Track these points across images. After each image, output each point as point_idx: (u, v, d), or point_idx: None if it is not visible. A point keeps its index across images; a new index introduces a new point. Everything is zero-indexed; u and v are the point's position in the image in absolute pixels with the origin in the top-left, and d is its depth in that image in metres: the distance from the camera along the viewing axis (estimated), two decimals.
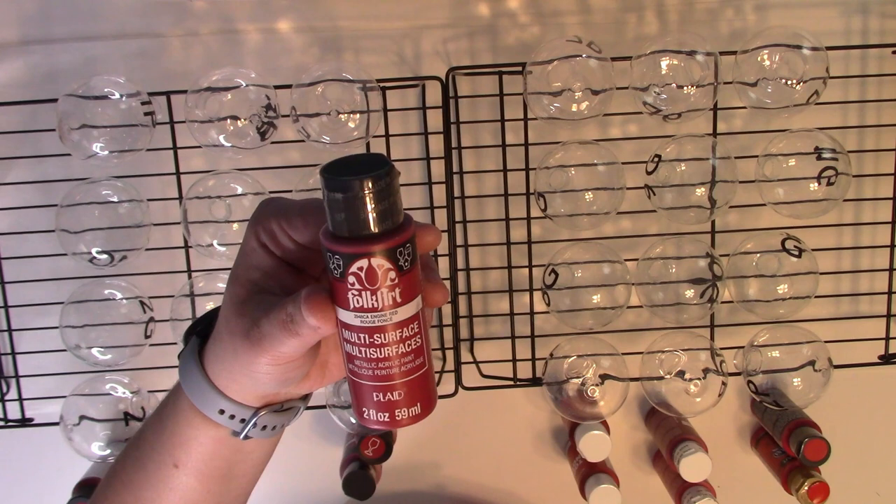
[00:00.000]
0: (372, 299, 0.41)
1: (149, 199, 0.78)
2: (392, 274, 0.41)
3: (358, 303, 0.41)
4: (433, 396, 0.45)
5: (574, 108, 0.75)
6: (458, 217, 0.83)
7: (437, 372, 0.84)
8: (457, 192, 0.82)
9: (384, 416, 0.44)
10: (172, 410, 0.48)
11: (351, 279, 0.41)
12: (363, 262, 0.41)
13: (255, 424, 0.47)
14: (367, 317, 0.42)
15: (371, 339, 0.42)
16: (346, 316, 0.42)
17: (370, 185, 0.40)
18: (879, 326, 0.84)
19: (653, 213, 0.81)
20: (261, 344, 0.43)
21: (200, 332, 0.48)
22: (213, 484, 0.49)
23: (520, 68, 0.76)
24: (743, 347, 0.82)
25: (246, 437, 0.47)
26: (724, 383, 0.79)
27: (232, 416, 0.46)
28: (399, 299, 0.41)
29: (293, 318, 0.42)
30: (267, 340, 0.43)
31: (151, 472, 0.49)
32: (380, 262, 0.41)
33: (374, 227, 0.41)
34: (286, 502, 0.91)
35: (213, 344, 0.46)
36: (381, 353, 0.42)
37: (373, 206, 0.40)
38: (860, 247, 0.86)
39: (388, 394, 0.43)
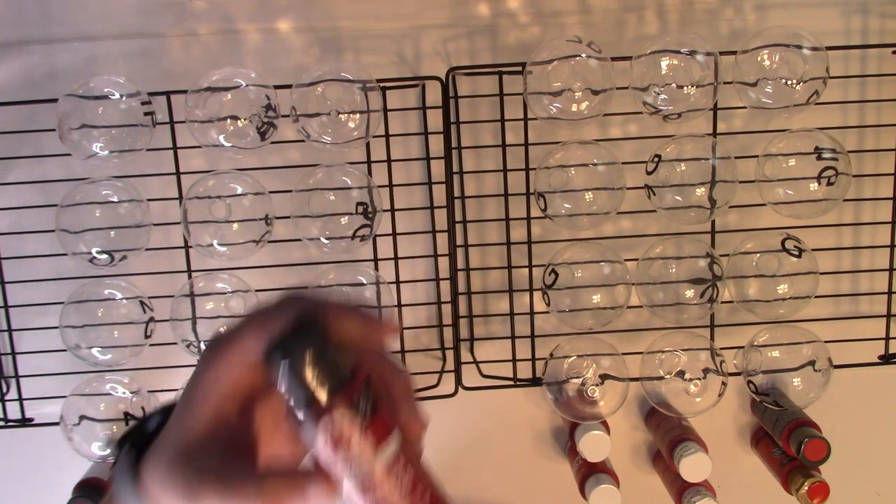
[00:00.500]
0: (342, 457, 0.40)
1: (149, 199, 0.78)
2: (356, 427, 0.40)
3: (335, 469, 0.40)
4: None
5: (574, 108, 0.75)
6: (458, 217, 0.83)
7: (436, 372, 0.84)
8: (457, 192, 0.82)
9: None
10: None
11: (321, 450, 0.40)
12: (322, 427, 0.40)
13: None
14: (347, 476, 0.40)
15: (358, 495, 0.41)
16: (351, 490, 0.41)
17: (302, 364, 0.39)
18: (879, 326, 0.84)
19: (653, 213, 0.81)
20: (237, 492, 0.39)
21: (134, 445, 0.43)
22: None
23: (520, 68, 0.76)
24: (743, 347, 0.82)
25: None
26: (724, 383, 0.79)
27: None
28: (370, 447, 0.40)
29: (238, 484, 0.38)
30: (207, 499, 0.38)
31: None
32: (337, 421, 0.40)
33: (320, 393, 0.40)
34: None
35: (154, 467, 0.41)
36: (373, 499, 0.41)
37: (314, 377, 0.40)
38: (860, 247, 0.86)
39: None
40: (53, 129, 0.74)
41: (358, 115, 0.75)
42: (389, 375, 0.43)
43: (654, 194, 0.78)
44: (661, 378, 0.80)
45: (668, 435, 0.84)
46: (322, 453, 0.40)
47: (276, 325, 0.40)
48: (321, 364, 0.40)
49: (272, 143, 0.76)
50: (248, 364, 0.41)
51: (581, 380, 0.80)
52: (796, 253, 0.79)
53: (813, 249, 0.79)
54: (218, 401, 0.41)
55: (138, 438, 0.43)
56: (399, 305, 0.84)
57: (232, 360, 0.41)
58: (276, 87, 0.76)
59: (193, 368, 0.42)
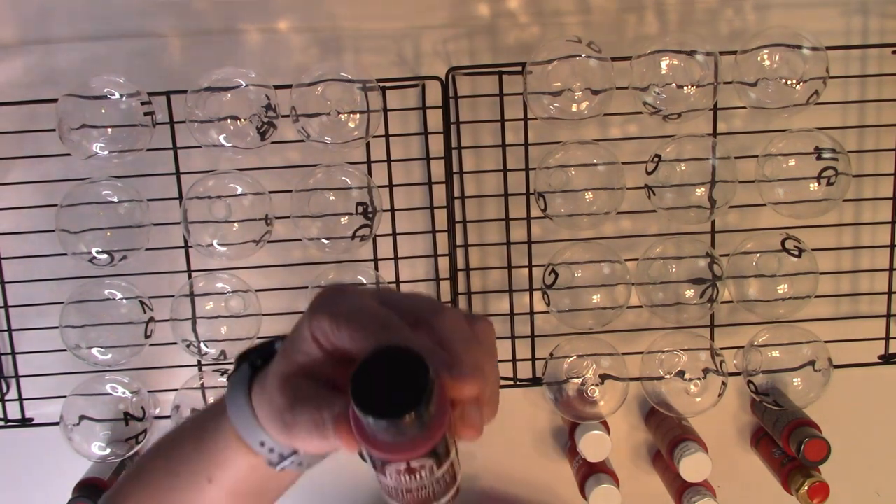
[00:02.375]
0: (406, 480, 0.41)
1: (149, 199, 0.78)
2: (429, 463, 0.40)
3: (392, 481, 0.41)
4: (457, 492, 0.45)
5: (574, 108, 0.75)
6: (458, 217, 0.83)
7: None
8: (457, 192, 0.82)
9: None
10: (214, 429, 0.48)
11: (389, 471, 0.40)
12: (400, 466, 0.40)
13: (292, 462, 0.47)
14: (401, 489, 0.41)
15: (405, 499, 0.42)
16: (382, 479, 0.42)
17: (406, 418, 0.37)
18: (879, 326, 0.84)
19: (653, 213, 0.81)
20: (291, 431, 0.43)
21: (254, 362, 0.48)
22: (242, 500, 0.50)
23: (520, 68, 0.76)
24: (743, 347, 0.82)
25: (282, 469, 0.47)
26: (724, 383, 0.79)
27: (272, 450, 0.46)
28: (435, 470, 0.41)
29: (325, 425, 0.42)
30: (296, 430, 0.43)
31: (183, 481, 0.49)
32: (418, 464, 0.40)
33: (407, 439, 0.39)
34: None
35: (259, 389, 0.46)
36: (414, 497, 0.42)
37: (407, 429, 0.38)
38: (860, 247, 0.86)
39: None
40: (53, 129, 0.74)
41: (358, 115, 0.75)
42: (467, 389, 0.41)
43: (654, 194, 0.78)
44: (661, 378, 0.80)
45: (668, 435, 0.84)
46: (380, 471, 0.41)
47: (391, 336, 0.40)
48: (419, 417, 0.38)
49: (272, 143, 0.76)
50: (344, 343, 0.42)
51: (581, 380, 0.80)
52: (796, 253, 0.79)
53: (813, 249, 0.79)
54: (310, 346, 0.44)
55: (259, 356, 0.48)
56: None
57: (335, 328, 0.42)
58: (276, 87, 0.76)
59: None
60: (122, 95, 0.75)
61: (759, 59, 0.75)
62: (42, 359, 0.83)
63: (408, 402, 0.37)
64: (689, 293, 0.80)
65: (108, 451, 0.80)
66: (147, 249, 0.79)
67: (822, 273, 0.79)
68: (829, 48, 0.75)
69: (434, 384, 0.38)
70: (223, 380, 0.81)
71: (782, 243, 0.79)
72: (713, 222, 0.83)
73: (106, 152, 0.75)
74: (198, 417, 0.51)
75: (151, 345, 0.80)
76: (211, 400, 0.81)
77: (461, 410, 0.41)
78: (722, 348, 0.81)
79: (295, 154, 0.84)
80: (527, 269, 0.83)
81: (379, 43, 0.83)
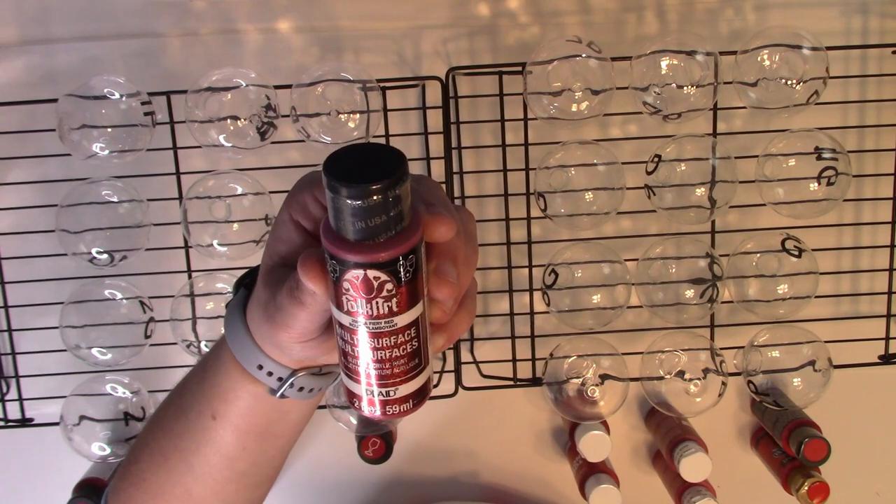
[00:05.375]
0: (366, 307, 0.39)
1: (149, 199, 0.78)
2: (390, 286, 0.38)
3: (352, 307, 0.39)
4: (427, 391, 0.44)
5: (574, 108, 0.75)
6: None
7: (437, 372, 0.84)
8: (457, 193, 0.82)
9: (375, 411, 0.43)
10: (215, 361, 0.48)
11: (345, 285, 0.39)
12: (358, 273, 0.38)
13: (291, 385, 0.46)
14: (359, 321, 0.40)
15: (363, 342, 0.40)
16: (339, 315, 0.40)
17: (375, 195, 0.36)
18: (879, 326, 0.84)
19: (653, 213, 0.81)
20: (275, 319, 0.43)
21: (249, 285, 0.48)
22: (250, 441, 0.49)
23: (520, 68, 0.76)
24: (743, 347, 0.82)
25: (282, 395, 0.47)
26: (724, 383, 0.79)
27: (270, 374, 0.46)
28: (395, 309, 0.39)
29: (297, 284, 0.41)
30: (280, 314, 0.42)
31: (192, 421, 0.49)
32: (376, 275, 0.38)
33: (374, 237, 0.37)
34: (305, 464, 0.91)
35: (252, 299, 0.46)
36: (374, 356, 0.41)
37: (376, 215, 0.37)
38: (860, 247, 0.86)
39: (381, 391, 0.42)
40: (53, 129, 0.74)
41: (358, 115, 0.75)
42: (437, 239, 0.41)
43: (654, 194, 0.78)
44: (661, 378, 0.80)
45: (668, 435, 0.84)
46: (339, 286, 0.39)
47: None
48: (391, 204, 0.37)
49: (272, 143, 0.76)
50: (311, 202, 0.43)
51: (581, 380, 0.80)
52: (796, 253, 0.79)
53: (813, 249, 0.79)
54: (288, 232, 0.44)
55: (253, 277, 0.47)
56: None
57: (312, 197, 0.42)
58: (276, 87, 0.76)
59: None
60: (122, 95, 0.75)
61: (759, 59, 0.75)
62: (42, 359, 0.83)
63: (379, 178, 0.36)
64: (689, 293, 0.80)
65: (108, 451, 0.80)
66: (147, 249, 0.79)
67: (822, 273, 0.79)
68: (829, 48, 0.75)
69: (407, 173, 0.37)
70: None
71: (782, 243, 0.79)
72: (713, 222, 0.83)
73: (106, 152, 0.75)
74: (203, 356, 0.51)
75: (151, 345, 0.80)
76: None
77: (436, 263, 0.40)
78: (722, 348, 0.81)
79: (295, 154, 0.84)
80: (527, 269, 0.83)
81: (379, 43, 0.83)
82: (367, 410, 0.43)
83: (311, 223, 0.43)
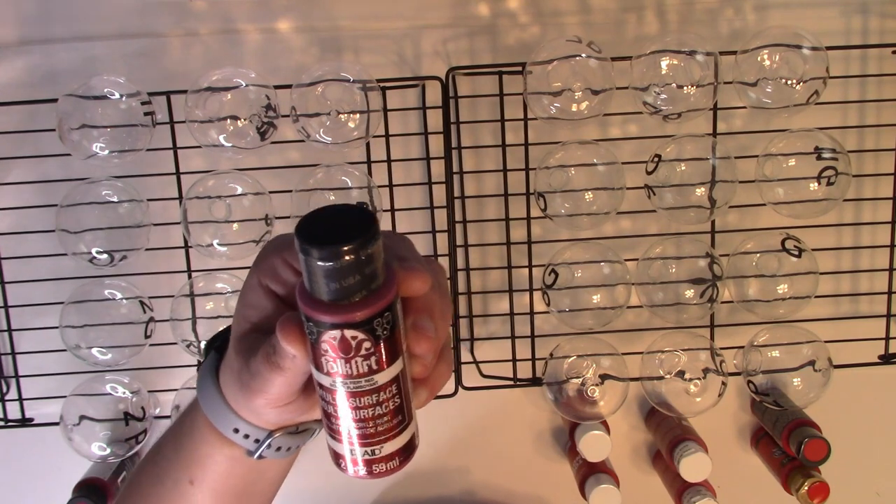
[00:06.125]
0: (345, 367, 0.39)
1: (149, 199, 0.78)
2: (368, 344, 0.39)
3: (331, 368, 0.39)
4: (413, 446, 0.44)
5: (574, 108, 0.75)
6: (458, 217, 0.83)
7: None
8: (457, 192, 0.82)
9: (360, 471, 0.42)
10: (189, 427, 0.48)
11: (324, 346, 0.39)
12: (336, 333, 0.38)
13: (269, 446, 0.46)
14: (339, 381, 0.40)
15: (344, 402, 0.40)
16: (319, 377, 0.40)
17: (347, 255, 0.37)
18: (879, 326, 0.84)
19: (653, 213, 0.81)
20: (250, 386, 0.43)
21: (219, 347, 0.48)
22: (228, 502, 0.49)
23: (520, 68, 0.76)
24: (743, 347, 0.82)
25: (260, 456, 0.47)
26: (724, 383, 0.79)
27: (247, 436, 0.46)
28: (375, 367, 0.39)
29: (275, 349, 0.41)
30: (256, 381, 0.42)
31: (169, 488, 0.49)
32: (354, 334, 0.38)
33: (349, 297, 0.38)
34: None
35: (224, 364, 0.46)
36: (355, 416, 0.41)
37: (350, 275, 0.37)
38: (860, 247, 0.86)
39: (366, 450, 0.42)
40: (53, 129, 0.74)
41: (358, 115, 0.75)
42: (412, 293, 0.41)
43: (654, 194, 0.78)
44: (661, 378, 0.80)
45: (668, 435, 0.84)
46: (318, 347, 0.39)
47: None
48: (363, 264, 0.37)
49: (272, 143, 0.76)
50: (281, 268, 0.43)
51: (581, 380, 0.80)
52: (796, 253, 0.79)
53: (813, 249, 0.79)
54: (259, 298, 0.44)
55: (223, 340, 0.47)
56: None
57: (283, 262, 0.43)
58: (276, 87, 0.76)
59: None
60: (122, 95, 0.75)
61: (759, 59, 0.75)
62: (42, 359, 0.83)
63: (350, 238, 0.37)
64: (689, 293, 0.80)
65: (108, 451, 0.80)
66: (147, 249, 0.79)
67: (822, 273, 0.79)
68: (829, 48, 0.75)
69: (378, 232, 0.37)
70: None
71: (782, 243, 0.79)
72: (713, 222, 0.83)
73: (106, 152, 0.75)
74: (176, 420, 0.50)
75: (151, 345, 0.80)
76: None
77: (413, 318, 0.41)
78: (722, 348, 0.81)
79: (295, 154, 0.84)
80: (527, 269, 0.83)
81: (379, 43, 0.83)
82: (351, 471, 0.43)
83: (282, 287, 0.43)
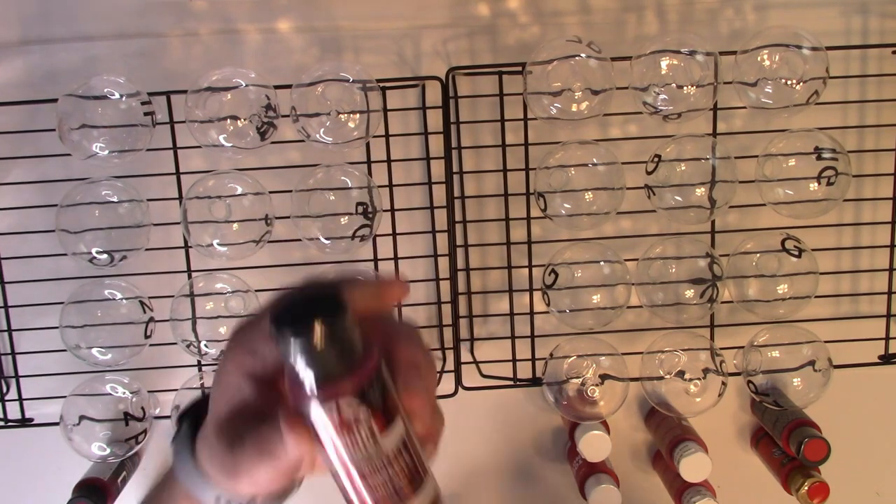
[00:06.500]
0: (349, 440, 0.40)
1: (149, 199, 0.78)
2: (364, 414, 0.39)
3: (338, 446, 0.40)
4: (440, 501, 0.44)
5: (574, 108, 0.75)
6: (458, 217, 0.83)
7: (436, 372, 0.83)
8: (457, 192, 0.82)
9: None
10: (169, 495, 0.48)
11: (323, 427, 0.40)
12: (331, 410, 0.39)
13: None
14: (348, 457, 0.40)
15: (358, 476, 0.41)
16: (329, 460, 0.41)
17: (317, 338, 0.38)
18: (879, 326, 0.84)
19: (653, 213, 0.81)
20: (235, 471, 0.43)
21: (193, 419, 0.47)
22: None
23: (520, 68, 0.76)
24: (743, 347, 0.82)
25: None
26: (724, 383, 0.79)
27: (229, 502, 0.45)
28: (378, 433, 0.40)
29: (270, 446, 0.41)
30: (240, 467, 0.42)
31: None
32: (348, 407, 0.39)
33: (334, 374, 0.39)
34: None
35: (200, 442, 0.46)
36: (369, 485, 0.41)
37: (328, 353, 0.38)
38: (860, 247, 0.86)
39: None
40: (53, 129, 0.74)
41: (358, 115, 0.75)
42: (403, 350, 0.43)
43: (654, 194, 0.78)
44: (661, 378, 0.80)
45: (668, 435, 0.84)
46: (324, 431, 0.40)
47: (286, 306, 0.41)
48: (334, 342, 0.38)
49: (272, 143, 0.76)
50: (256, 351, 0.43)
51: (581, 380, 0.80)
52: (796, 253, 0.79)
53: (813, 249, 0.79)
54: (237, 382, 0.44)
55: (197, 411, 0.47)
56: (399, 305, 0.83)
57: (262, 340, 0.43)
58: (276, 87, 0.76)
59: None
60: (122, 95, 0.75)
61: (759, 59, 0.75)
62: (42, 359, 0.83)
63: (319, 319, 0.38)
64: (689, 293, 0.80)
65: (108, 451, 0.80)
66: (147, 249, 0.79)
67: (822, 273, 0.79)
68: (829, 48, 0.75)
69: (343, 304, 0.39)
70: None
71: (782, 243, 0.79)
72: (713, 222, 0.83)
73: (106, 152, 0.75)
74: (152, 491, 0.50)
75: (151, 345, 0.80)
76: None
77: (402, 379, 0.41)
78: (722, 348, 0.81)
79: (295, 154, 0.84)
80: (527, 269, 0.83)
81: (379, 43, 0.83)
82: None
83: (262, 368, 0.44)
